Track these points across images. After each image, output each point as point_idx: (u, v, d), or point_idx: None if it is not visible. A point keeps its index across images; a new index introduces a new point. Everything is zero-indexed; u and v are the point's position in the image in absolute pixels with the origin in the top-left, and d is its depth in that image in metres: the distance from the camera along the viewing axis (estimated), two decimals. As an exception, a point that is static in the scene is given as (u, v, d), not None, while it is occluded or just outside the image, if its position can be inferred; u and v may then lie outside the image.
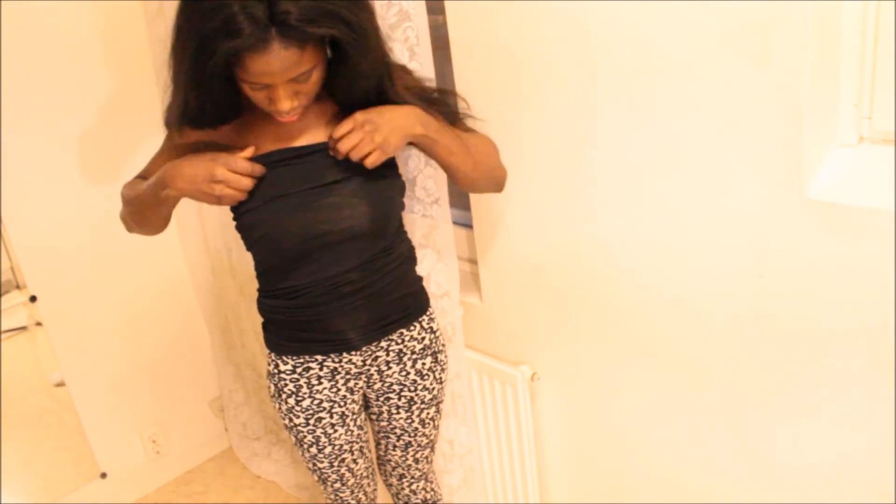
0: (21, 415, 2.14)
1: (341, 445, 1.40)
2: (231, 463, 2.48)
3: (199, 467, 2.48)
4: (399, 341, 1.36)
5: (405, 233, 1.36)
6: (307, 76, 1.08)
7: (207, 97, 1.11)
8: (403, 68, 1.28)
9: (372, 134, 1.13)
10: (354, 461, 1.44)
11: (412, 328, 1.36)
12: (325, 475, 1.43)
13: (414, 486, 1.54)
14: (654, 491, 1.46)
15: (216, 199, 1.17)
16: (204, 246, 2.23)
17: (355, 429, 1.41)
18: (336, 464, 1.42)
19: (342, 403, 1.38)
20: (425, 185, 1.45)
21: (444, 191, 1.45)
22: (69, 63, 1.94)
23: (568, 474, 1.63)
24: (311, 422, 1.37)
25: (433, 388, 1.42)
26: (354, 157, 1.14)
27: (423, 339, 1.38)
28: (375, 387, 1.40)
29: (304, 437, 1.38)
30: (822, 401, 1.13)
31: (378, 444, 1.52)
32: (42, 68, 1.90)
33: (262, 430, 2.46)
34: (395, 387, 1.39)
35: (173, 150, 1.27)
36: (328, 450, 1.39)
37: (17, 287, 2.03)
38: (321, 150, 1.20)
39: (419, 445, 1.48)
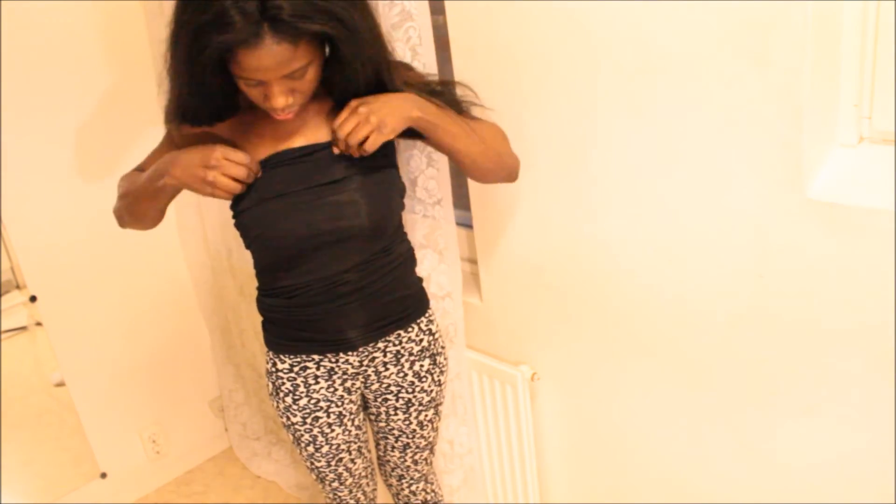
0: (21, 415, 2.14)
1: (338, 445, 1.40)
2: (231, 463, 2.47)
3: (199, 467, 2.48)
4: (397, 343, 1.35)
5: (405, 234, 1.35)
6: (302, 73, 1.08)
7: (201, 92, 1.12)
8: (404, 65, 1.28)
9: (367, 116, 1.12)
10: (352, 461, 1.44)
11: (410, 330, 1.36)
12: (323, 474, 1.44)
13: (414, 487, 1.54)
14: (654, 491, 1.46)
15: (209, 185, 1.16)
16: (204, 246, 2.23)
17: (353, 429, 1.41)
18: (333, 463, 1.42)
19: (339, 403, 1.37)
20: (427, 185, 1.45)
21: (447, 192, 1.45)
22: (69, 63, 1.94)
23: (568, 474, 1.63)
24: (309, 421, 1.37)
25: (431, 391, 1.41)
26: (352, 141, 1.13)
27: (422, 340, 1.38)
28: (373, 388, 1.40)
29: (302, 435, 1.38)
30: (822, 401, 1.13)
31: (377, 444, 1.52)
32: (42, 68, 1.90)
33: (262, 430, 2.46)
34: (393, 388, 1.39)
35: (171, 147, 1.27)
36: (325, 449, 1.39)
37: (17, 287, 2.03)
38: (320, 150, 1.20)
39: (417, 447, 1.47)
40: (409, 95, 1.17)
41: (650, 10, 1.07)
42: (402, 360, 1.37)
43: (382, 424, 1.45)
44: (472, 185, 1.49)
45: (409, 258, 1.36)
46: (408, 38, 1.31)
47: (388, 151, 1.24)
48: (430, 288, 1.52)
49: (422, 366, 1.38)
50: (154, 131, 1.36)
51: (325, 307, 1.27)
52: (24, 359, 2.14)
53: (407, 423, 1.43)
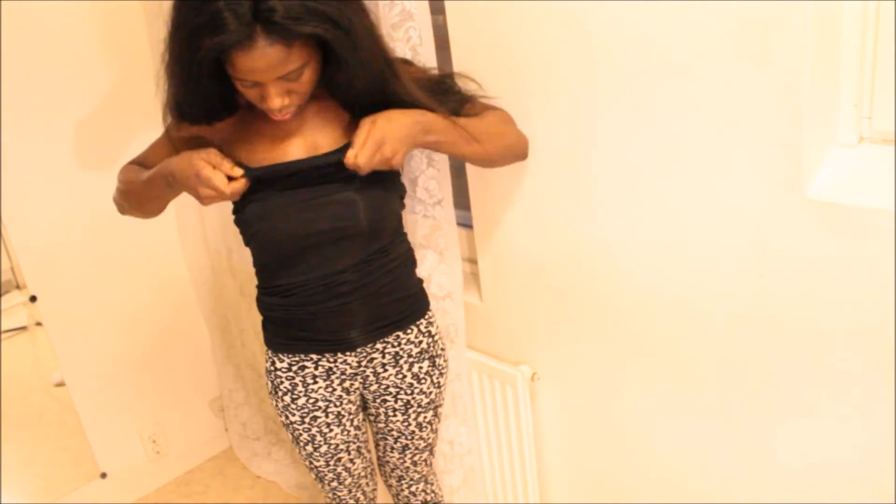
0: (21, 415, 2.14)
1: (337, 445, 1.40)
2: (231, 463, 2.48)
3: (199, 467, 2.48)
4: (395, 344, 1.35)
5: (404, 234, 1.35)
6: (297, 74, 1.08)
7: (198, 93, 1.12)
8: (405, 61, 1.27)
9: (382, 148, 1.12)
10: (351, 461, 1.44)
11: (409, 331, 1.36)
12: (322, 474, 1.44)
13: (413, 488, 1.54)
14: (654, 491, 1.46)
15: (198, 195, 1.16)
16: (204, 246, 2.23)
17: (352, 429, 1.41)
18: (332, 463, 1.42)
19: (338, 403, 1.37)
20: (427, 185, 1.45)
21: (448, 192, 1.45)
22: (69, 63, 1.94)
23: (568, 474, 1.63)
24: (307, 420, 1.37)
25: (430, 393, 1.41)
26: (364, 173, 1.14)
27: (421, 342, 1.38)
28: (372, 388, 1.40)
29: (300, 435, 1.38)
30: (822, 401, 1.13)
31: (377, 444, 1.52)
32: (42, 68, 1.90)
33: (262, 430, 2.46)
34: (392, 389, 1.39)
35: (169, 144, 1.29)
36: (324, 448, 1.39)
37: (17, 287, 2.03)
38: (322, 159, 1.20)
39: (417, 448, 1.47)
40: (419, 116, 1.16)
41: (650, 10, 1.07)
42: (401, 361, 1.37)
43: (381, 425, 1.45)
44: (473, 185, 1.49)
45: (409, 259, 1.36)
46: (408, 38, 1.31)
47: None
48: (431, 288, 1.52)
49: (421, 368, 1.38)
50: (153, 131, 1.36)
51: (322, 307, 1.27)
52: (24, 359, 2.14)
53: (406, 424, 1.43)
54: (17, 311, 2.05)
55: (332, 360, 1.34)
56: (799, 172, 1.02)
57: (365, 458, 1.48)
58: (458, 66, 1.38)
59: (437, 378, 1.41)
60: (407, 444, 1.46)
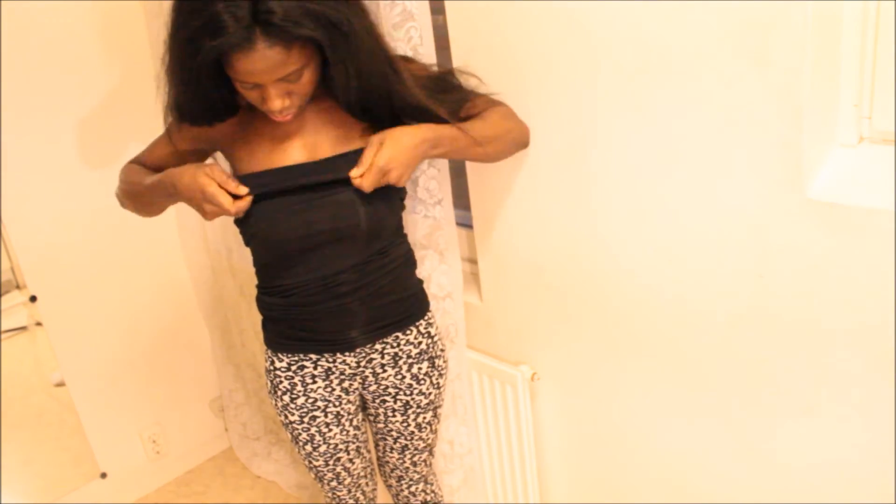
0: (21, 415, 2.14)
1: (336, 445, 1.40)
2: (231, 463, 2.48)
3: (199, 467, 2.48)
4: (395, 345, 1.35)
5: (404, 235, 1.35)
6: (297, 76, 1.08)
7: (198, 95, 1.13)
8: (405, 57, 1.27)
9: (387, 175, 1.14)
10: (351, 461, 1.44)
11: (409, 332, 1.36)
12: (321, 473, 1.44)
13: (413, 488, 1.54)
14: (654, 491, 1.46)
15: (202, 210, 1.18)
16: (204, 246, 2.23)
17: (351, 429, 1.41)
18: (332, 462, 1.42)
19: (337, 403, 1.37)
20: (428, 185, 1.45)
21: (448, 192, 1.45)
22: (69, 63, 1.94)
23: (568, 474, 1.63)
24: (306, 420, 1.37)
25: (430, 393, 1.41)
26: (367, 190, 1.16)
27: (420, 343, 1.37)
28: (371, 388, 1.40)
29: (299, 434, 1.39)
30: (822, 401, 1.13)
31: (376, 445, 1.52)
32: (42, 68, 1.90)
33: (262, 430, 2.46)
34: (391, 390, 1.39)
35: (169, 144, 1.29)
36: (323, 448, 1.39)
37: (17, 287, 2.03)
38: (323, 170, 1.20)
39: (416, 449, 1.47)
40: (426, 133, 1.16)
41: (650, 10, 1.07)
42: (400, 362, 1.36)
43: (381, 426, 1.45)
44: (473, 185, 1.49)
45: (408, 260, 1.35)
46: (409, 38, 1.31)
47: None
48: (431, 288, 1.52)
49: (420, 368, 1.38)
50: (153, 131, 1.36)
51: (321, 307, 1.27)
52: (24, 359, 2.14)
53: (405, 424, 1.43)
54: (17, 311, 2.05)
55: (331, 359, 1.34)
56: (799, 172, 1.02)
57: (364, 458, 1.48)
58: (458, 65, 1.38)
59: (437, 379, 1.41)
60: (406, 445, 1.46)
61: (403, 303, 1.34)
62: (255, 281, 1.35)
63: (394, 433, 1.45)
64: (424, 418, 1.43)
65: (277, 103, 1.10)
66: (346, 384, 1.37)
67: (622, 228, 1.27)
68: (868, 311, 1.02)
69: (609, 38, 1.14)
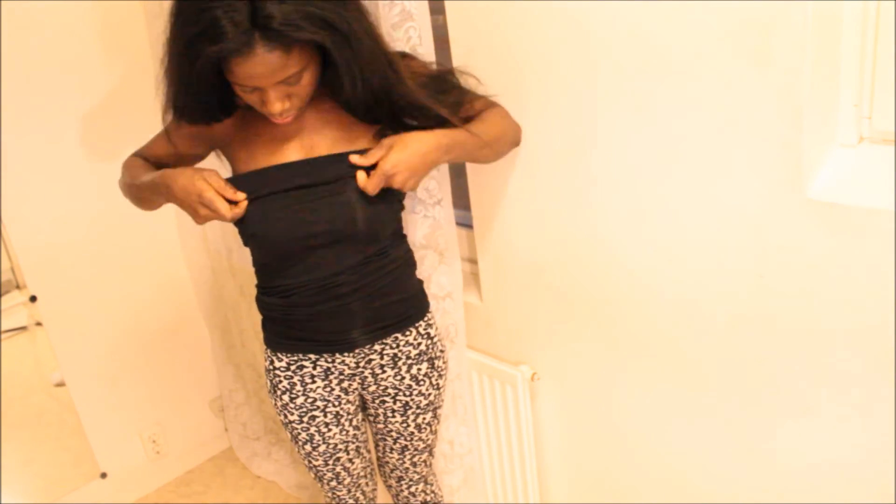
0: (21, 415, 2.14)
1: (335, 444, 1.40)
2: (231, 463, 2.48)
3: (199, 467, 2.48)
4: (394, 346, 1.35)
5: (404, 237, 1.35)
6: (297, 78, 1.08)
7: (198, 97, 1.13)
8: (404, 54, 1.26)
9: (392, 178, 1.15)
10: (350, 461, 1.44)
11: (408, 333, 1.36)
12: (321, 473, 1.44)
13: (413, 489, 1.54)
14: (654, 491, 1.46)
15: (196, 213, 1.19)
16: (204, 246, 2.23)
17: (351, 429, 1.41)
18: (331, 462, 1.42)
19: (336, 403, 1.37)
20: (428, 185, 1.45)
21: (447, 192, 1.45)
22: (69, 63, 1.94)
23: (568, 474, 1.63)
24: (305, 419, 1.37)
25: (429, 394, 1.41)
26: (371, 194, 1.18)
27: (420, 344, 1.37)
28: (370, 389, 1.40)
29: (299, 434, 1.39)
30: (822, 401, 1.13)
31: (376, 445, 1.52)
32: (42, 68, 1.90)
33: (262, 430, 2.46)
34: (391, 390, 1.39)
35: (168, 141, 1.30)
36: (322, 448, 1.39)
37: (17, 287, 2.03)
38: (320, 159, 1.20)
39: (416, 450, 1.47)
40: (438, 140, 1.17)
41: (650, 9, 1.07)
42: (399, 363, 1.36)
43: (381, 426, 1.45)
44: (473, 185, 1.49)
45: (407, 262, 1.35)
46: (408, 38, 1.31)
47: None
48: (431, 288, 1.52)
49: (419, 369, 1.38)
50: (153, 131, 1.36)
51: (320, 308, 1.27)
52: (24, 359, 2.14)
53: (405, 425, 1.43)
54: (17, 311, 2.05)
55: (330, 360, 1.34)
56: (799, 172, 1.02)
57: (364, 458, 1.48)
58: (458, 65, 1.38)
59: (436, 380, 1.41)
60: (406, 445, 1.46)
61: (402, 304, 1.34)
62: (255, 281, 1.35)
63: (393, 434, 1.44)
64: (424, 419, 1.43)
65: (277, 106, 1.10)
66: (345, 384, 1.37)
67: (622, 228, 1.27)
68: (868, 311, 1.02)
69: (609, 38, 1.14)
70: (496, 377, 1.57)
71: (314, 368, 1.34)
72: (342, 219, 1.20)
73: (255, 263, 1.32)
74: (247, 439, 2.46)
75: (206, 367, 2.44)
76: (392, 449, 1.47)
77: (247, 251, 1.34)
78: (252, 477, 2.40)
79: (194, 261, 2.27)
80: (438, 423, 1.47)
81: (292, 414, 1.37)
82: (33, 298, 2.02)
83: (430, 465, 1.54)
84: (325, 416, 1.37)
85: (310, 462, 1.42)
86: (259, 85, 1.07)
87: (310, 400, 1.36)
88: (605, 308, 1.36)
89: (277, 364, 1.35)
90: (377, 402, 1.41)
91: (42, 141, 1.94)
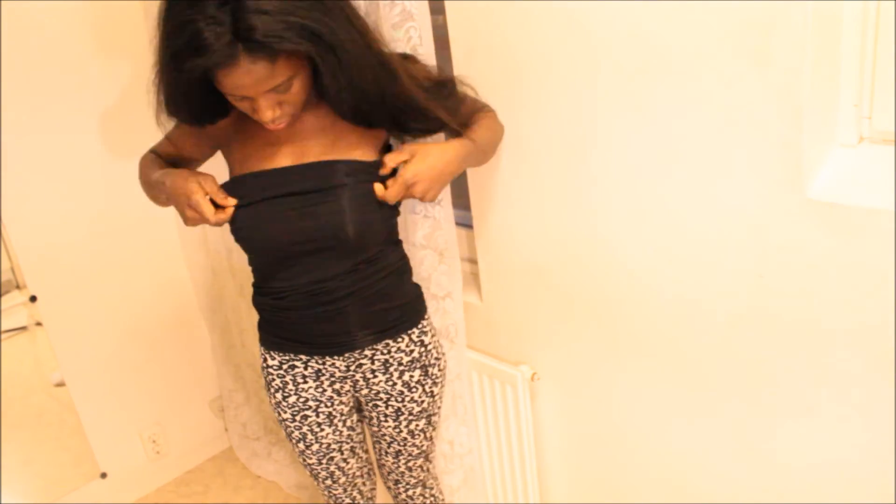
0: (21, 415, 2.14)
1: (329, 444, 1.40)
2: (231, 463, 2.48)
3: (199, 467, 2.48)
4: (385, 352, 1.34)
5: (398, 243, 1.34)
6: (286, 87, 1.08)
7: (186, 102, 1.13)
8: (406, 56, 1.26)
9: (412, 188, 1.17)
10: (345, 460, 1.44)
11: (400, 340, 1.34)
12: (315, 471, 1.44)
13: (410, 492, 1.53)
14: (654, 491, 1.46)
15: (184, 215, 1.20)
16: (204, 246, 2.23)
17: (344, 429, 1.41)
18: (325, 461, 1.41)
19: (329, 404, 1.37)
20: (426, 185, 1.44)
21: (447, 192, 1.45)
22: (69, 63, 1.94)
23: (568, 474, 1.63)
24: (298, 419, 1.37)
25: (422, 402, 1.40)
26: (391, 202, 1.20)
27: (412, 351, 1.36)
28: (363, 392, 1.40)
29: (292, 432, 1.39)
30: (822, 401, 1.13)
31: (374, 446, 1.51)
32: (42, 68, 1.90)
33: (262, 430, 2.46)
34: (382, 395, 1.38)
35: (170, 141, 1.32)
36: (315, 447, 1.39)
37: (17, 287, 2.03)
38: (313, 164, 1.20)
39: (410, 455, 1.46)
40: (456, 154, 1.19)
41: (650, 10, 1.07)
42: (391, 368, 1.35)
43: (375, 429, 1.45)
44: (473, 185, 1.48)
45: (400, 268, 1.34)
46: (408, 39, 1.31)
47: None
48: (431, 288, 1.51)
49: (412, 376, 1.37)
50: (153, 131, 1.36)
51: (310, 312, 1.27)
52: (24, 359, 2.14)
53: (398, 430, 1.42)
54: (17, 311, 2.05)
55: (321, 361, 1.34)
56: (799, 172, 1.02)
57: (360, 458, 1.48)
58: (458, 65, 1.38)
59: (430, 387, 1.40)
60: (400, 450, 1.45)
61: (394, 311, 1.33)
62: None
63: (387, 438, 1.44)
64: (417, 426, 1.42)
65: (269, 114, 1.10)
66: (337, 386, 1.37)
67: (622, 228, 1.27)
68: (868, 311, 1.02)
69: (609, 38, 1.14)
70: (496, 377, 1.57)
71: (305, 369, 1.34)
72: (332, 226, 1.19)
73: (250, 263, 1.33)
74: (247, 439, 2.46)
75: (206, 367, 2.44)
76: (387, 452, 1.47)
77: (245, 249, 1.34)
78: (252, 477, 2.40)
79: (194, 261, 2.27)
80: (434, 429, 1.46)
81: (285, 412, 1.37)
82: (33, 298, 2.02)
83: (428, 469, 1.53)
84: (318, 416, 1.37)
85: (304, 460, 1.43)
86: (247, 94, 1.07)
87: (302, 399, 1.36)
88: (605, 308, 1.36)
89: (270, 362, 1.36)
90: (370, 405, 1.41)
91: (42, 141, 1.94)
